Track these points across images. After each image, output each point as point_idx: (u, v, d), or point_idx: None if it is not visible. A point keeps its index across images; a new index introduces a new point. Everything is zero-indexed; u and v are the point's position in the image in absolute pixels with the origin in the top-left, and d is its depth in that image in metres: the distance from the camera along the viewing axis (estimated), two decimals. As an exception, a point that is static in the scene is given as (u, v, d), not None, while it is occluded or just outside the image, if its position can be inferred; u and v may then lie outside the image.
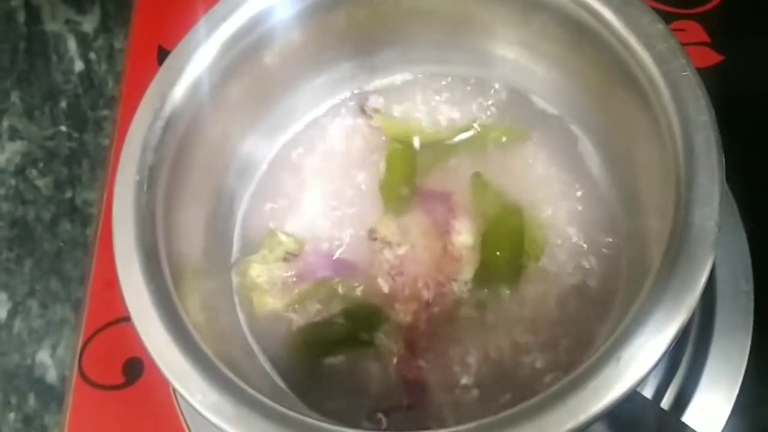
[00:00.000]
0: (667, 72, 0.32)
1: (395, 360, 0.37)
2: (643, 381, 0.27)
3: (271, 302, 0.39)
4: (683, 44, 0.51)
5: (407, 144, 0.42)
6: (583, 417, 0.27)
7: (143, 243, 0.33)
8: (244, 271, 0.40)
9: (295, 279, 0.40)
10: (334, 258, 0.40)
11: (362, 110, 0.44)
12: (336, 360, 0.38)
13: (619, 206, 0.38)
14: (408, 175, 0.42)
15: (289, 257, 0.41)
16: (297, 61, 0.41)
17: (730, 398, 0.39)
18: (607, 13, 0.34)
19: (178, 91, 0.36)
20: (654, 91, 0.32)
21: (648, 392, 0.40)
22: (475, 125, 0.42)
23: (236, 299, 0.40)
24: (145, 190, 0.34)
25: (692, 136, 0.31)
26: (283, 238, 0.41)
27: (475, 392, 0.36)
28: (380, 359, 0.37)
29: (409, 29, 0.41)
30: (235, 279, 0.41)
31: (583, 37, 0.35)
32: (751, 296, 0.41)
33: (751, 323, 0.41)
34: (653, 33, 0.33)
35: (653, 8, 0.52)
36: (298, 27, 0.39)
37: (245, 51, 0.38)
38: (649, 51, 0.32)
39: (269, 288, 0.40)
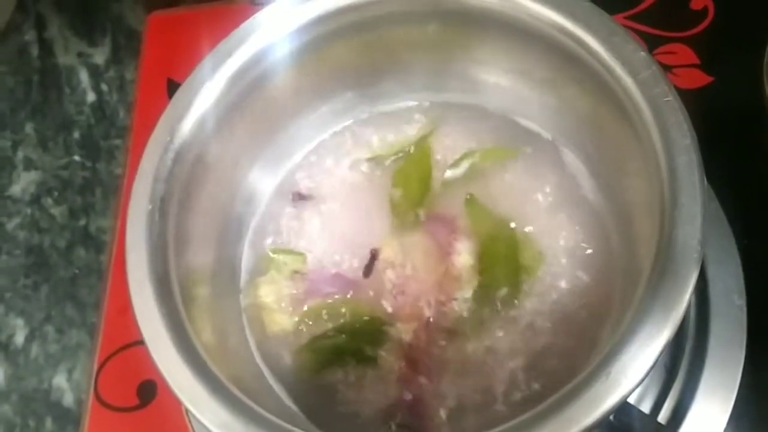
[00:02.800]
0: (651, 97, 0.33)
1: (397, 378, 0.38)
2: (631, 394, 0.29)
3: (281, 320, 0.41)
4: (674, 66, 0.54)
5: (422, 163, 0.44)
6: (576, 428, 0.28)
7: (155, 269, 0.34)
8: (254, 293, 0.42)
9: (302, 296, 0.41)
10: (339, 275, 0.41)
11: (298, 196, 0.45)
12: (340, 378, 0.39)
13: (611, 225, 0.40)
14: (420, 194, 0.43)
15: (296, 276, 0.42)
16: (300, 92, 0.43)
17: (725, 410, 0.40)
18: (593, 43, 0.35)
19: (187, 125, 0.38)
20: (639, 115, 0.34)
21: (645, 406, 0.41)
22: (473, 150, 0.44)
23: (245, 321, 0.42)
24: (156, 219, 0.36)
25: (675, 159, 0.32)
26: (289, 257, 0.42)
27: (475, 411, 0.37)
28: (383, 377, 0.38)
29: (406, 59, 0.43)
30: (244, 301, 0.42)
31: (571, 65, 0.37)
32: (744, 310, 0.42)
33: (744, 337, 0.41)
34: (637, 60, 0.34)
35: (645, 32, 0.55)
36: (300, 60, 0.40)
37: (250, 85, 0.39)
38: (633, 78, 0.34)
39: (278, 307, 0.41)
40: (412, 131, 0.45)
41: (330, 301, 0.41)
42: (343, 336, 0.40)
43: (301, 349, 0.40)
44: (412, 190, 0.43)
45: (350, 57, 0.42)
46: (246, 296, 0.42)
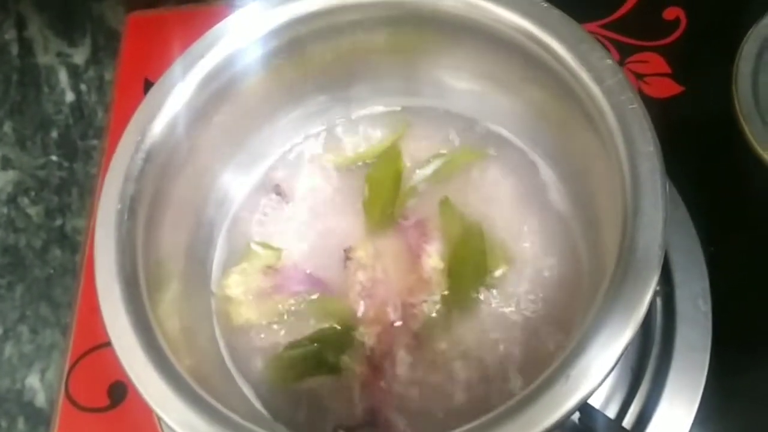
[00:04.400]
0: (616, 104, 0.34)
1: (359, 381, 0.38)
2: (591, 395, 0.29)
3: (246, 312, 0.41)
4: (645, 75, 0.54)
5: (393, 165, 0.44)
6: (535, 430, 0.29)
7: (123, 268, 0.34)
8: (224, 283, 0.42)
9: (270, 290, 0.41)
10: (309, 273, 0.42)
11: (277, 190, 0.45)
12: (305, 381, 0.39)
13: (578, 229, 0.40)
14: (392, 196, 0.43)
15: (268, 271, 0.42)
16: (273, 95, 0.43)
17: (690, 414, 0.41)
18: (561, 50, 0.36)
19: (158, 125, 0.38)
20: (604, 122, 0.34)
21: (611, 411, 0.42)
22: (443, 153, 0.44)
23: (215, 322, 0.42)
24: (125, 218, 0.36)
25: (638, 165, 0.32)
26: (262, 251, 0.43)
27: (437, 414, 0.37)
28: (345, 380, 0.39)
29: (378, 64, 0.43)
30: (213, 298, 0.42)
31: (540, 72, 0.37)
32: (709, 316, 0.42)
33: (709, 342, 0.42)
34: (603, 68, 0.35)
35: (618, 41, 0.55)
36: (273, 63, 0.41)
37: (222, 87, 0.40)
38: (599, 85, 0.34)
39: (245, 299, 0.41)
40: (384, 135, 0.45)
41: (295, 300, 0.41)
42: (309, 344, 0.40)
43: (274, 360, 0.40)
44: (384, 192, 0.43)
45: (323, 61, 0.42)
46: (217, 286, 0.42)
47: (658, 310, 0.43)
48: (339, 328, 0.40)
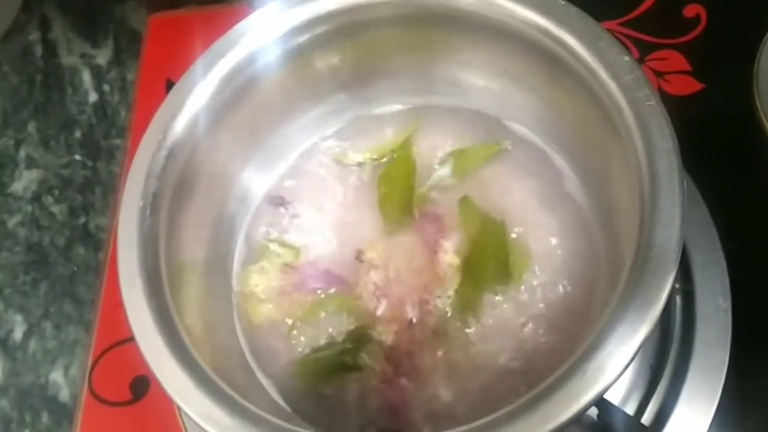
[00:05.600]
0: (633, 101, 0.34)
1: (378, 380, 0.39)
2: (606, 391, 0.29)
3: (266, 310, 0.41)
4: (665, 73, 0.54)
5: (407, 162, 0.44)
6: (551, 425, 0.29)
7: (146, 264, 0.35)
8: (244, 281, 0.43)
9: (290, 289, 0.42)
10: (327, 270, 0.42)
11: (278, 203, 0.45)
12: (327, 380, 0.39)
13: (596, 226, 0.40)
14: (407, 192, 0.43)
15: (287, 269, 0.42)
16: (292, 94, 0.43)
17: (708, 413, 0.40)
18: (578, 47, 0.36)
19: (180, 123, 0.38)
20: (621, 119, 0.34)
21: (630, 408, 0.42)
22: (461, 150, 0.44)
23: (236, 317, 0.42)
24: (148, 215, 0.36)
25: (656, 162, 0.32)
26: (281, 249, 0.43)
27: (457, 410, 0.37)
28: (365, 379, 0.39)
29: (396, 63, 0.44)
30: (235, 293, 0.43)
31: (557, 69, 0.37)
32: (729, 313, 0.42)
33: (729, 339, 0.42)
34: (621, 65, 0.35)
35: (638, 39, 0.55)
36: (292, 62, 0.41)
37: (242, 86, 0.40)
38: (617, 82, 0.34)
39: (265, 297, 0.42)
40: (401, 133, 0.45)
41: (313, 297, 0.41)
42: (338, 347, 0.40)
43: (298, 364, 0.40)
44: (399, 190, 0.43)
45: (341, 60, 0.43)
46: (237, 285, 0.43)
47: (678, 307, 0.43)
48: (358, 327, 0.40)
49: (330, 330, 0.41)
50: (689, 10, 0.56)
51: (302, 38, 0.40)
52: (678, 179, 0.32)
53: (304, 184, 0.45)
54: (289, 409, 0.39)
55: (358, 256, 0.42)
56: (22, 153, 0.66)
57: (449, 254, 0.40)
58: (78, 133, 0.67)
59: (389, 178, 0.44)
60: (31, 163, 0.66)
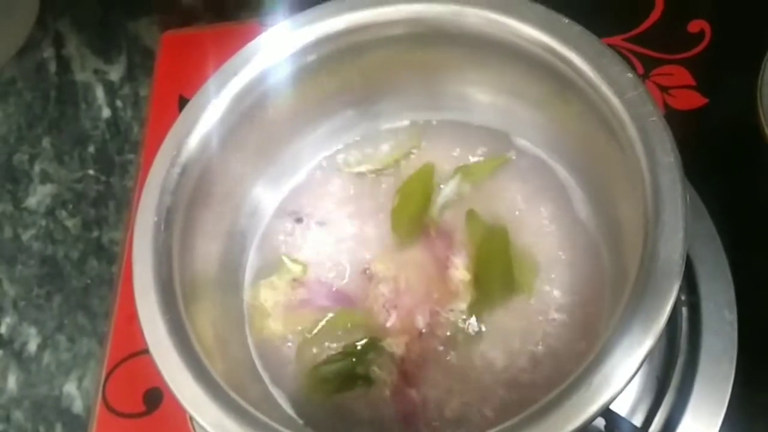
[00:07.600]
0: (636, 116, 0.34)
1: (389, 391, 0.39)
2: (612, 402, 0.29)
3: (274, 325, 0.42)
4: (670, 88, 0.55)
5: (428, 179, 0.45)
6: (557, 436, 0.29)
7: (160, 278, 0.36)
8: (254, 295, 0.43)
9: (297, 305, 0.43)
10: (334, 289, 0.43)
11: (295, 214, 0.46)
12: (338, 392, 0.40)
13: (601, 239, 0.41)
14: (420, 210, 0.44)
15: (295, 284, 0.43)
16: (303, 110, 0.44)
17: (715, 424, 0.41)
18: (582, 64, 0.36)
19: (193, 140, 0.39)
20: (625, 134, 0.35)
21: (637, 420, 0.42)
22: (468, 165, 0.45)
23: (247, 331, 0.43)
24: (162, 230, 0.37)
25: (659, 176, 0.33)
26: (291, 265, 0.44)
27: (466, 421, 0.38)
28: (377, 390, 0.39)
29: (404, 80, 0.44)
30: (245, 307, 0.44)
31: (561, 86, 0.38)
32: (735, 325, 0.43)
33: (735, 352, 0.42)
34: (624, 81, 0.35)
35: (642, 54, 0.56)
36: (303, 79, 0.42)
37: (254, 103, 0.41)
38: (620, 98, 0.35)
39: (272, 311, 0.42)
40: (409, 148, 0.46)
41: (323, 311, 0.42)
42: (348, 359, 0.40)
43: (308, 376, 0.41)
44: (414, 204, 0.44)
45: (350, 77, 0.43)
46: (247, 298, 0.44)
47: (684, 319, 0.43)
48: (368, 339, 0.41)
49: (341, 342, 0.41)
50: (694, 26, 0.57)
51: (312, 57, 0.41)
52: (680, 193, 0.32)
53: (313, 198, 0.46)
54: (300, 421, 0.39)
55: (366, 271, 0.42)
56: (37, 168, 0.67)
57: (460, 270, 0.41)
58: (91, 148, 0.67)
59: (407, 193, 0.44)
60: (45, 177, 0.67)
